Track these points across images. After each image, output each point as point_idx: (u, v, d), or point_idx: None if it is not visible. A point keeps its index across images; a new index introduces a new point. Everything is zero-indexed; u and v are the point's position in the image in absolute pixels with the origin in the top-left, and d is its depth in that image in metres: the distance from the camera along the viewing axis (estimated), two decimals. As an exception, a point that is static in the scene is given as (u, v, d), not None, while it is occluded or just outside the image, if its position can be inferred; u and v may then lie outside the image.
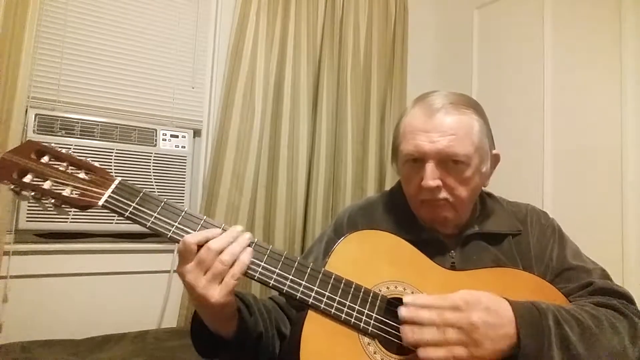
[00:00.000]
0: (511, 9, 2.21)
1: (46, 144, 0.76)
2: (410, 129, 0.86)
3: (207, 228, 0.73)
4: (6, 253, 1.58)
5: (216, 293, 0.69)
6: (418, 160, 0.85)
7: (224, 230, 0.74)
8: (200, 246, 0.70)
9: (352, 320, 0.73)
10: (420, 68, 2.54)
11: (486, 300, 0.70)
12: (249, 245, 0.73)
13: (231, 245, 0.71)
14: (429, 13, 2.63)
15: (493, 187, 0.97)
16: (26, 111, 1.63)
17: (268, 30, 2.06)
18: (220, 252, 0.70)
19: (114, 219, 1.76)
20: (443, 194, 0.84)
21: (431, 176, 0.83)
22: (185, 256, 0.70)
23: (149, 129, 1.89)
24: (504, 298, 0.72)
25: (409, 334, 0.69)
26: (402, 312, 0.71)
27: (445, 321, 0.68)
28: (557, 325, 0.70)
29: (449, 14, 2.56)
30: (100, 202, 0.73)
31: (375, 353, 0.72)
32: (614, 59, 1.77)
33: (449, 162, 0.84)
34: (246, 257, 0.71)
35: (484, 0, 2.34)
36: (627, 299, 0.83)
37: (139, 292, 1.84)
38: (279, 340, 0.86)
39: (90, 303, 1.74)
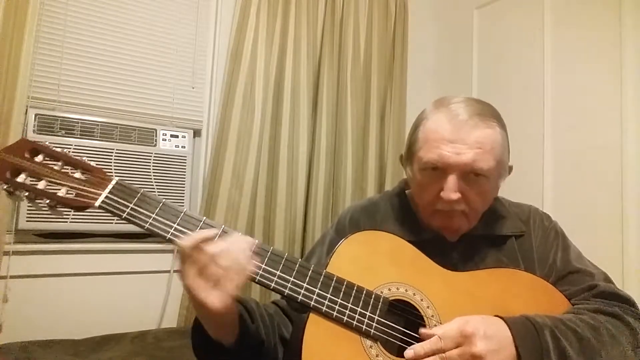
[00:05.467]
0: (511, 9, 2.21)
1: (40, 143, 0.74)
2: (434, 136, 0.83)
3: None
4: (6, 253, 1.58)
5: (214, 298, 0.67)
6: (438, 170, 0.83)
7: (224, 232, 0.72)
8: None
9: (354, 322, 0.73)
10: (420, 68, 2.54)
11: (483, 327, 0.70)
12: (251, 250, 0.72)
13: (230, 250, 0.69)
14: (429, 13, 2.63)
15: (493, 187, 0.97)
16: (26, 111, 1.63)
17: (268, 30, 2.06)
18: (219, 256, 0.68)
19: (114, 219, 1.76)
20: (461, 206, 0.83)
21: (453, 189, 0.81)
22: (183, 259, 0.68)
23: (149, 129, 1.89)
24: (499, 317, 0.72)
25: None
26: None
27: None
28: (554, 340, 0.70)
29: (449, 14, 2.56)
30: (97, 203, 0.71)
31: (377, 356, 0.72)
32: (614, 59, 1.77)
33: (470, 175, 0.82)
34: (246, 261, 0.70)
35: (484, 0, 2.34)
36: (630, 302, 0.82)
37: (139, 292, 1.84)
38: (282, 346, 0.85)
39: (90, 303, 1.74)
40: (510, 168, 0.92)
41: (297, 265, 0.74)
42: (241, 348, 0.77)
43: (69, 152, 0.75)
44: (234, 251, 0.69)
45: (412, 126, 0.91)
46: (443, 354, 0.69)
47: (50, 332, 1.57)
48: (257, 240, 0.74)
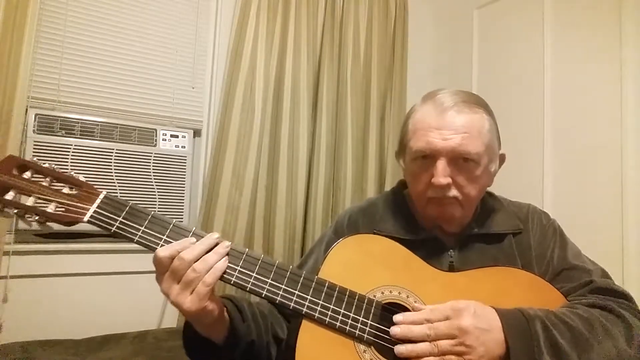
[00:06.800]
0: (511, 9, 2.21)
1: (28, 159, 0.74)
2: (421, 125, 0.85)
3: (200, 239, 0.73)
4: (6, 253, 1.58)
5: (187, 301, 0.69)
6: (428, 157, 0.84)
7: (199, 236, 0.73)
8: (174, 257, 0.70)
9: (347, 328, 0.73)
10: (420, 68, 2.54)
11: (474, 306, 0.71)
12: (230, 254, 0.73)
13: (206, 254, 0.71)
14: (429, 13, 2.63)
15: (493, 186, 0.97)
16: (26, 111, 1.63)
17: (268, 30, 2.06)
18: (194, 261, 0.70)
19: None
20: (453, 192, 0.84)
21: (442, 173, 0.82)
22: (159, 267, 0.71)
23: (149, 129, 1.89)
24: (491, 307, 0.73)
25: (402, 350, 0.70)
26: (394, 330, 0.72)
27: (437, 332, 0.70)
28: (545, 330, 0.70)
29: (449, 14, 2.56)
30: (86, 218, 0.72)
31: None
32: (614, 59, 1.77)
33: (459, 160, 0.83)
34: (222, 265, 0.71)
35: (484, 0, 2.34)
36: (626, 297, 0.82)
37: (139, 292, 1.84)
38: (276, 345, 0.86)
39: (90, 303, 1.74)
40: (503, 156, 0.93)
41: (289, 272, 0.74)
42: (231, 347, 0.78)
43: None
44: (210, 255, 0.71)
45: (403, 120, 0.93)
46: (431, 324, 0.70)
47: (50, 332, 1.57)
48: (230, 242, 0.74)
